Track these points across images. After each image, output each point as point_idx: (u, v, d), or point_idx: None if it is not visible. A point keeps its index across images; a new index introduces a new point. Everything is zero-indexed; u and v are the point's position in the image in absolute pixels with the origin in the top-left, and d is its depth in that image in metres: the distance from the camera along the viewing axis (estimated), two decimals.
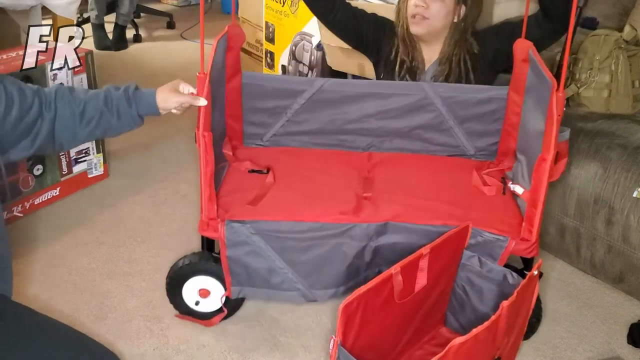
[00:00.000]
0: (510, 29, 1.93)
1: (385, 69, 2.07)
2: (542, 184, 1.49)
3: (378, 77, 2.11)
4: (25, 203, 2.25)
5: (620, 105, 2.13)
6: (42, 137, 1.37)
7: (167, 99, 1.49)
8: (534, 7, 2.94)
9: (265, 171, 1.83)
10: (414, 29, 1.94)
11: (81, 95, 1.43)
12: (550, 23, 1.82)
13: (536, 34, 1.81)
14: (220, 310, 1.75)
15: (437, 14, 1.90)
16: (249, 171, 1.84)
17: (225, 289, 1.68)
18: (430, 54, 2.02)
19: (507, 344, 1.39)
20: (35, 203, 2.29)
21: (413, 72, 2.02)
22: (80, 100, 1.42)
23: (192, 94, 1.52)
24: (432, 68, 2.01)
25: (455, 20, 1.94)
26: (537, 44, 1.77)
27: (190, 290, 1.73)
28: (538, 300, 1.70)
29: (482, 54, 1.97)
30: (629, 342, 1.77)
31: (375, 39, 2.07)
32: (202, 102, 1.51)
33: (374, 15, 2.09)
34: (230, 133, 1.95)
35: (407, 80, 2.01)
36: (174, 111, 1.52)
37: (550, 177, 1.49)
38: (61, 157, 2.33)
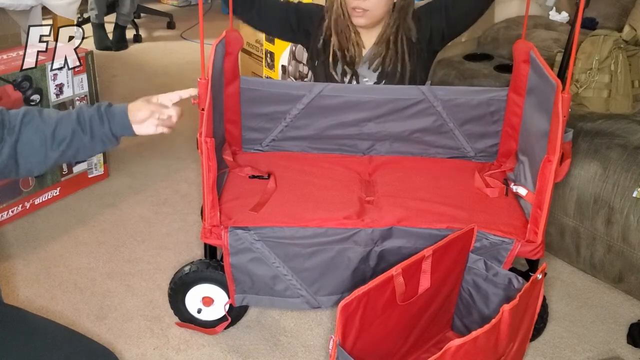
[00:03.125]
0: (443, 4, 1.92)
1: (318, 57, 2.02)
2: (548, 185, 1.48)
3: (313, 63, 2.05)
4: (26, 203, 2.25)
5: (620, 105, 2.14)
6: (1, 161, 1.28)
7: (140, 110, 1.37)
8: (534, 8, 2.95)
9: (266, 177, 1.81)
10: (357, 22, 1.90)
11: (52, 115, 1.34)
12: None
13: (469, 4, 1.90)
14: (223, 318, 1.73)
15: (377, 4, 1.86)
16: (249, 177, 1.82)
17: (229, 297, 1.67)
18: (370, 37, 1.97)
19: (512, 349, 1.37)
20: (35, 203, 2.29)
21: (350, 62, 1.97)
22: (52, 120, 1.33)
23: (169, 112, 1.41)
24: (370, 51, 1.97)
25: (396, 0, 1.90)
26: (466, 16, 1.92)
27: (194, 298, 1.72)
28: (544, 304, 1.70)
29: (420, 38, 1.94)
30: (628, 342, 1.77)
31: (302, 26, 2.01)
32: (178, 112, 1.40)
33: (296, 3, 2.03)
34: (229, 138, 1.94)
35: (345, 70, 1.97)
36: (158, 130, 1.41)
37: (555, 179, 1.48)
38: None
